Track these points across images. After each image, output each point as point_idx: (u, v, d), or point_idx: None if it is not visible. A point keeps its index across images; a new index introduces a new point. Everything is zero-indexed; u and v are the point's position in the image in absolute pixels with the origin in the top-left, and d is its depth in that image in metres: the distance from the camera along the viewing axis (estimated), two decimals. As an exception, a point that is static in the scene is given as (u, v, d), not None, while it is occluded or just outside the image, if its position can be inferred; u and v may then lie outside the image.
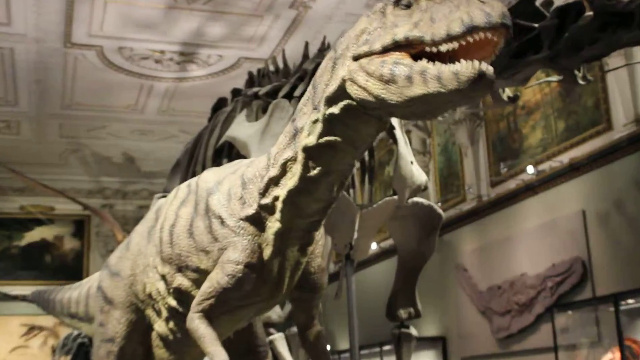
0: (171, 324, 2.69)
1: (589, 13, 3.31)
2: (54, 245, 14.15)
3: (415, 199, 4.16)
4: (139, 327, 2.82)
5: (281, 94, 4.55)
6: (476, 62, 1.75)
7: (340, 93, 2.02)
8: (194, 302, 2.41)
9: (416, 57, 1.86)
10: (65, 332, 9.53)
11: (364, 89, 1.94)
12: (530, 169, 7.99)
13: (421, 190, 4.13)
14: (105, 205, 14.04)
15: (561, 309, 7.20)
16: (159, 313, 2.72)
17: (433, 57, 1.83)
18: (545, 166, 7.92)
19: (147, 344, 2.82)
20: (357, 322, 4.22)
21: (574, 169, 7.53)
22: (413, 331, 4.32)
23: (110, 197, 14.34)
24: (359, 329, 4.24)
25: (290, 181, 2.24)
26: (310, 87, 2.20)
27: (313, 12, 8.60)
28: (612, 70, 6.65)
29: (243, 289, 2.36)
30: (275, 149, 2.32)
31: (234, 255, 2.34)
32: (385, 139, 4.63)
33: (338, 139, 2.09)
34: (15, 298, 5.54)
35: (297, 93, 4.45)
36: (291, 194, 2.24)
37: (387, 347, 9.43)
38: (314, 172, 2.17)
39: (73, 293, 3.78)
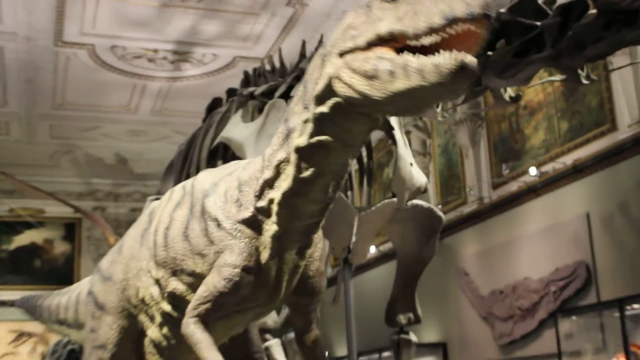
0: (165, 330, 2.66)
1: (593, 11, 3.28)
2: (43, 249, 14.12)
3: (415, 201, 4.16)
4: (132, 334, 2.78)
5: (277, 93, 4.55)
6: (457, 53, 1.73)
7: (329, 91, 2.01)
8: (189, 306, 2.39)
9: (401, 52, 1.85)
10: (55, 339, 9.42)
11: (349, 86, 1.93)
12: (532, 171, 8.00)
13: (421, 192, 4.13)
14: (97, 208, 14.03)
15: (565, 314, 7.23)
16: (152, 319, 2.70)
17: (418, 52, 1.82)
18: (548, 168, 7.92)
19: (139, 351, 2.79)
20: (355, 328, 4.17)
21: (577, 171, 7.52)
22: (413, 337, 4.30)
23: (102, 199, 14.33)
24: (357, 334, 4.18)
25: (284, 183, 2.23)
26: (301, 86, 2.20)
27: (310, 10, 8.60)
28: (616, 70, 6.69)
29: (240, 293, 2.35)
30: (269, 150, 2.31)
31: (231, 259, 2.33)
32: (384, 139, 4.57)
33: (329, 138, 2.09)
34: (3, 304, 5.43)
35: (293, 93, 4.41)
36: (286, 196, 2.24)
37: (386, 354, 9.42)
38: (307, 173, 2.17)
39: (62, 299, 3.74)
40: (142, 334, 2.76)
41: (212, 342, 2.32)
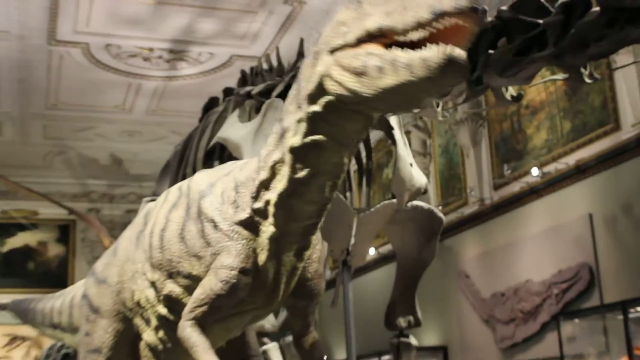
0: (161, 333, 2.66)
1: (596, 9, 3.24)
2: (37, 251, 14.10)
3: (415, 202, 4.15)
4: (127, 337, 2.77)
5: (275, 93, 4.51)
6: (445, 46, 1.73)
7: (321, 90, 2.02)
8: (186, 309, 2.38)
9: (390, 48, 1.85)
10: (48, 343, 9.40)
11: (340, 83, 1.94)
12: (534, 171, 8.01)
13: (421, 193, 4.13)
14: (91, 210, 14.03)
15: (567, 317, 7.26)
16: (148, 322, 2.69)
17: (408, 47, 1.81)
18: (551, 168, 7.93)
19: (135, 355, 2.78)
20: (355, 331, 4.17)
21: (580, 171, 7.53)
22: (413, 340, 4.28)
23: (97, 200, 14.34)
24: (356, 338, 4.17)
25: (279, 184, 2.24)
26: (295, 85, 2.19)
27: (308, 8, 8.60)
28: (620, 68, 6.69)
29: (237, 295, 2.34)
30: (265, 151, 2.31)
31: (228, 261, 2.32)
32: (383, 139, 4.50)
33: (323, 137, 2.09)
34: None
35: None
36: (282, 197, 2.24)
37: (385, 357, 9.40)
38: (302, 174, 2.17)
39: (55, 302, 3.72)
40: (137, 337, 2.75)
41: (209, 346, 2.31)
